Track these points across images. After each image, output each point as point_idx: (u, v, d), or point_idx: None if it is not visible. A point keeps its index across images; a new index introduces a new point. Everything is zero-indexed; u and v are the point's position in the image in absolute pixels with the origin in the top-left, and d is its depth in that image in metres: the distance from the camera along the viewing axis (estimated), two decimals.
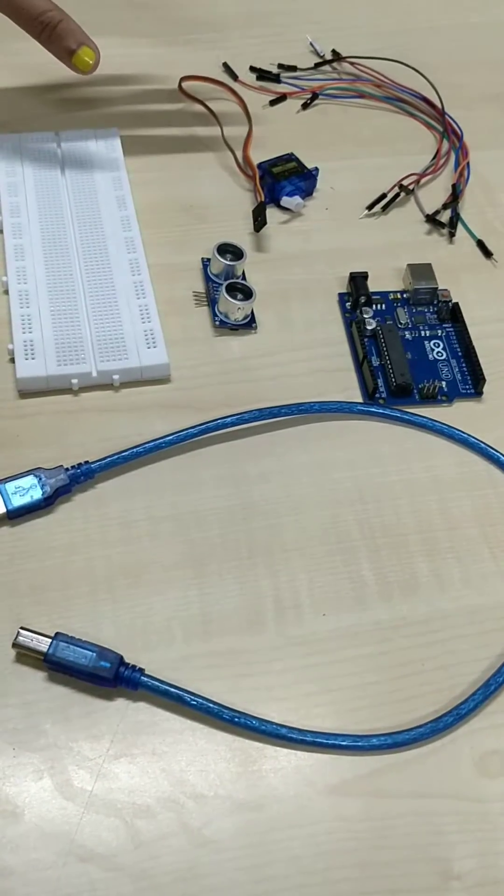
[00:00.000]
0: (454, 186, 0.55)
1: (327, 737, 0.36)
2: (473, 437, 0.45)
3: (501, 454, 0.45)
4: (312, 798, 0.35)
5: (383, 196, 0.55)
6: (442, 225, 0.54)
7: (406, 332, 0.49)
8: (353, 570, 0.41)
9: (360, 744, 0.36)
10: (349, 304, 0.50)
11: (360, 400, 0.46)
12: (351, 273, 0.50)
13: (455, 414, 0.46)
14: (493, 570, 0.41)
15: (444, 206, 0.54)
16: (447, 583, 0.41)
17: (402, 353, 0.47)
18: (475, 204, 0.55)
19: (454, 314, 0.49)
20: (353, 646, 0.39)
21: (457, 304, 0.49)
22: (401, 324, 0.49)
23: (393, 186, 0.55)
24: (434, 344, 0.48)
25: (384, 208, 0.54)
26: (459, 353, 0.48)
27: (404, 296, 0.50)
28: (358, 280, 0.49)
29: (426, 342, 0.48)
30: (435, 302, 0.50)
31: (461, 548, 0.42)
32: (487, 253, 0.53)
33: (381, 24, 0.65)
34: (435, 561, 0.42)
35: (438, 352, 0.48)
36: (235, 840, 0.34)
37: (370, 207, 0.54)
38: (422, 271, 0.50)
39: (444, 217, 0.54)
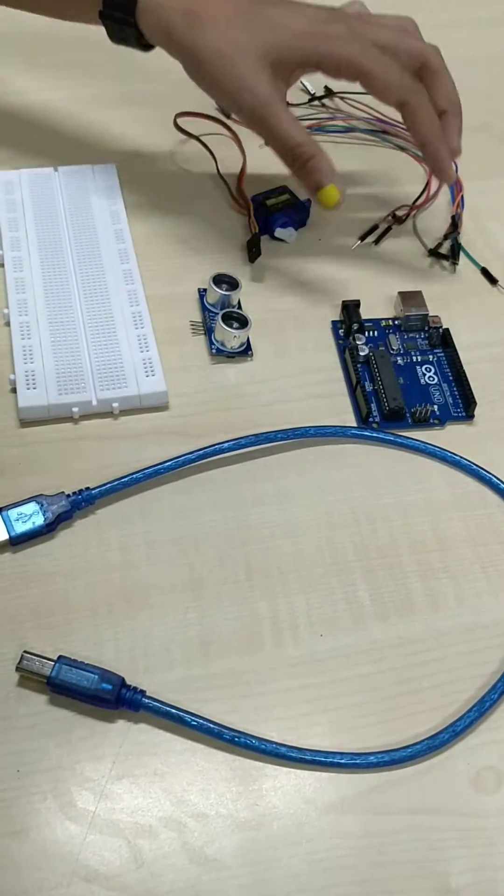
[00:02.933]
0: (453, 217, 0.57)
1: (326, 755, 0.37)
2: (465, 459, 0.46)
3: (493, 476, 0.46)
4: (312, 816, 0.36)
5: (375, 227, 0.56)
6: (445, 257, 0.55)
7: (398, 358, 0.50)
8: (349, 590, 0.42)
9: (357, 761, 0.37)
10: (342, 331, 0.51)
11: (355, 424, 0.47)
12: (343, 301, 0.51)
13: (447, 437, 0.47)
14: (486, 589, 0.42)
15: (445, 237, 0.56)
16: (441, 602, 0.42)
17: (395, 379, 0.48)
18: (466, 232, 0.57)
19: (445, 339, 0.50)
20: (350, 665, 0.40)
21: (447, 329, 0.50)
22: (393, 350, 0.50)
23: (385, 217, 0.56)
24: (426, 369, 0.49)
25: (377, 239, 0.56)
26: (450, 378, 0.49)
27: (396, 322, 0.51)
28: (350, 308, 0.51)
29: (418, 367, 0.50)
30: (426, 328, 0.51)
31: (455, 568, 0.43)
32: (492, 280, 0.54)
33: None
34: (429, 581, 0.42)
35: (430, 376, 0.49)
36: (236, 858, 0.35)
37: (363, 238, 0.56)
38: (412, 298, 0.51)
39: (445, 248, 0.55)
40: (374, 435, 0.46)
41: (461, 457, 0.46)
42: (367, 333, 0.50)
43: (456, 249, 0.55)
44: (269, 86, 0.48)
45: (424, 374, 0.49)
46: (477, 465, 0.46)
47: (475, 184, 0.59)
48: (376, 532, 0.44)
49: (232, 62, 0.48)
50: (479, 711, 0.38)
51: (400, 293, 0.51)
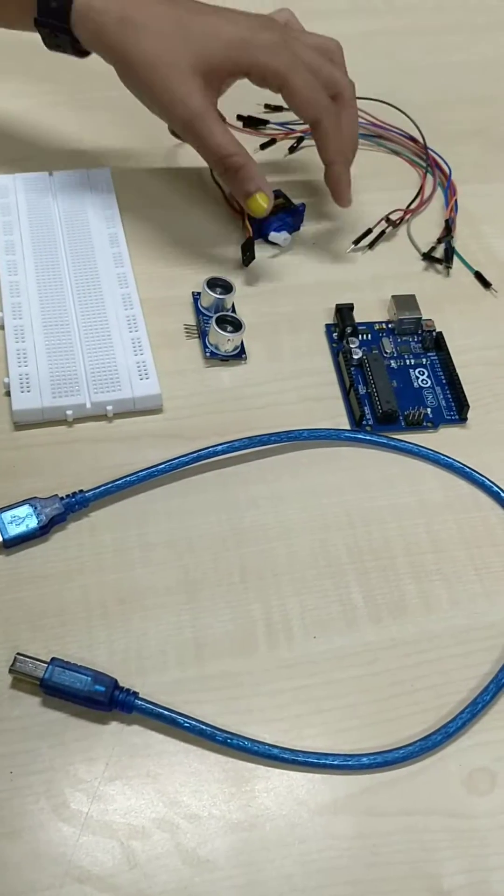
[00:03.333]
0: (447, 221, 0.57)
1: (319, 756, 0.37)
2: (459, 462, 0.46)
3: (486, 478, 0.46)
4: (304, 817, 0.36)
5: (369, 231, 0.56)
6: (438, 261, 0.55)
7: (391, 361, 0.50)
8: (343, 593, 0.42)
9: (350, 763, 0.37)
10: (336, 334, 0.51)
11: (348, 427, 0.47)
12: (337, 305, 0.51)
13: (441, 440, 0.47)
14: (479, 591, 0.42)
15: (439, 241, 0.56)
16: (435, 604, 0.42)
17: (388, 382, 0.48)
18: (460, 237, 0.57)
19: (438, 343, 0.50)
20: (343, 667, 0.40)
21: (440, 333, 0.51)
22: (386, 353, 0.50)
23: (379, 221, 0.57)
24: (419, 372, 0.50)
25: (371, 243, 0.56)
26: (444, 381, 0.49)
27: (389, 326, 0.51)
28: (344, 311, 0.51)
29: (411, 370, 0.50)
30: (419, 331, 0.51)
31: (448, 570, 0.43)
32: (486, 284, 0.54)
33: (365, 64, 0.67)
34: (422, 583, 0.42)
35: (423, 380, 0.49)
36: (229, 859, 0.35)
37: (357, 242, 0.56)
38: (406, 302, 0.51)
39: (438, 252, 0.56)
40: (368, 438, 0.47)
41: (455, 459, 0.46)
42: (360, 337, 0.51)
43: (450, 253, 0.55)
44: (201, 97, 0.49)
45: (418, 378, 0.49)
46: (470, 468, 0.46)
47: (469, 188, 0.59)
48: (370, 534, 0.44)
49: (164, 74, 0.49)
50: (471, 713, 0.38)
51: (393, 297, 0.52)
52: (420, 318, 0.51)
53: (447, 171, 0.60)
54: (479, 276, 0.55)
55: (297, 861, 0.35)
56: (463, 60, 0.70)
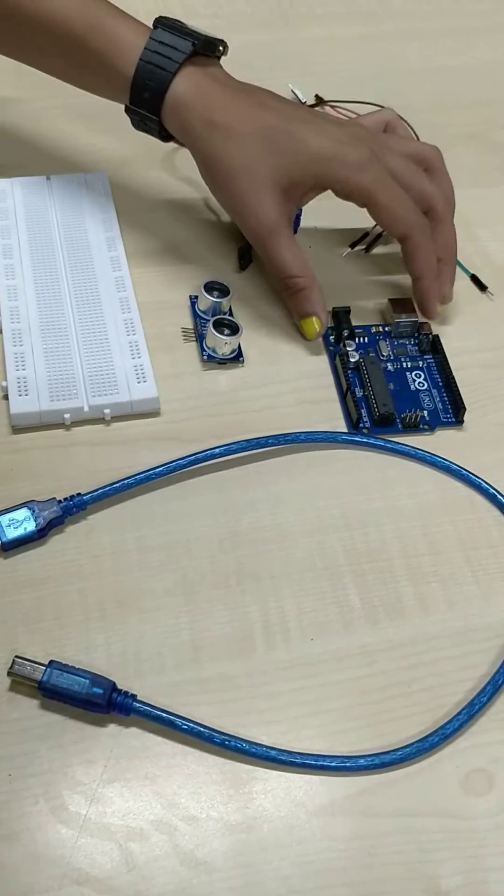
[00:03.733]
0: None
1: (316, 758, 0.37)
2: (455, 465, 0.46)
3: (483, 480, 0.46)
4: (302, 818, 0.36)
5: (366, 234, 0.56)
6: None
7: (388, 364, 0.50)
8: (340, 595, 0.42)
9: (348, 764, 0.37)
10: (332, 337, 0.51)
11: (345, 430, 0.47)
12: (334, 308, 0.51)
13: (437, 442, 0.47)
14: (475, 593, 0.42)
15: None
16: (432, 606, 0.42)
17: (385, 384, 0.48)
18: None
19: (434, 346, 0.51)
20: (341, 669, 0.40)
21: (437, 336, 0.51)
22: (383, 356, 0.50)
23: (376, 224, 0.57)
24: (415, 375, 0.50)
25: (368, 247, 0.56)
26: (440, 383, 0.50)
27: (386, 329, 0.52)
28: (340, 315, 0.51)
29: (408, 373, 0.50)
30: (416, 334, 0.51)
31: (445, 572, 0.43)
32: (482, 287, 0.55)
33: (361, 68, 0.68)
34: (419, 585, 0.43)
35: (420, 382, 0.50)
36: (227, 861, 0.35)
37: (353, 245, 0.56)
38: (402, 305, 0.52)
39: None
40: (365, 440, 0.47)
41: (451, 462, 0.46)
42: (357, 340, 0.51)
43: None
44: (277, 212, 0.49)
45: (414, 380, 0.50)
46: (467, 471, 0.46)
47: (465, 192, 0.59)
48: (367, 536, 0.44)
49: (244, 182, 0.48)
50: (468, 714, 0.38)
51: (390, 300, 0.52)
52: (417, 320, 0.51)
53: None
54: (475, 279, 0.55)
55: (295, 862, 0.35)
56: (459, 64, 0.70)
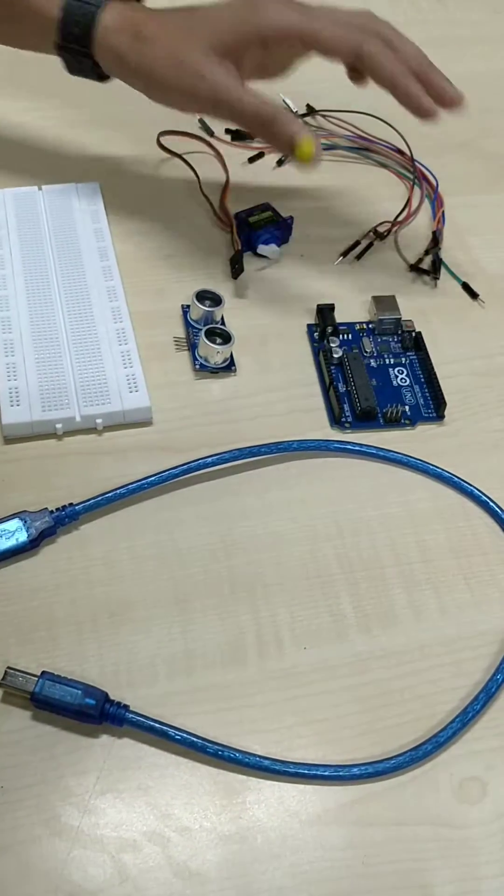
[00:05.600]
0: (434, 233, 0.57)
1: (309, 767, 0.37)
2: (447, 472, 0.46)
3: (475, 488, 0.46)
4: (295, 828, 0.36)
5: (357, 243, 0.57)
6: (426, 272, 0.55)
7: (371, 360, 0.51)
8: (333, 603, 0.42)
9: (341, 773, 0.37)
10: (317, 334, 0.51)
11: (329, 427, 0.47)
12: (318, 305, 0.52)
13: (428, 449, 0.47)
14: (468, 601, 0.42)
15: (426, 252, 0.56)
16: (424, 614, 0.42)
17: (367, 380, 0.49)
18: (447, 248, 0.57)
19: (417, 343, 0.51)
20: (334, 677, 0.40)
21: (419, 333, 0.51)
22: (366, 352, 0.51)
23: (367, 233, 0.57)
24: (398, 371, 0.50)
25: (359, 255, 0.56)
26: (422, 380, 0.50)
27: (370, 326, 0.52)
28: (325, 311, 0.51)
29: (390, 369, 0.50)
30: (399, 331, 0.52)
31: (437, 579, 0.43)
32: (473, 294, 0.55)
33: None
34: (412, 593, 0.43)
35: (402, 378, 0.50)
36: (220, 871, 0.35)
37: (345, 254, 0.56)
38: (385, 302, 0.52)
39: (426, 263, 0.56)
40: (358, 448, 0.47)
41: (443, 469, 0.46)
42: (341, 336, 0.51)
43: (437, 265, 0.56)
44: (219, 68, 0.48)
45: (397, 376, 0.50)
46: (459, 478, 0.46)
47: (456, 200, 0.60)
48: (359, 545, 0.44)
49: (179, 61, 0.49)
50: (461, 722, 0.38)
51: (374, 297, 0.52)
52: (400, 318, 0.52)
53: (434, 182, 0.60)
54: (466, 287, 0.55)
55: (289, 873, 0.35)
56: (449, 73, 0.70)
